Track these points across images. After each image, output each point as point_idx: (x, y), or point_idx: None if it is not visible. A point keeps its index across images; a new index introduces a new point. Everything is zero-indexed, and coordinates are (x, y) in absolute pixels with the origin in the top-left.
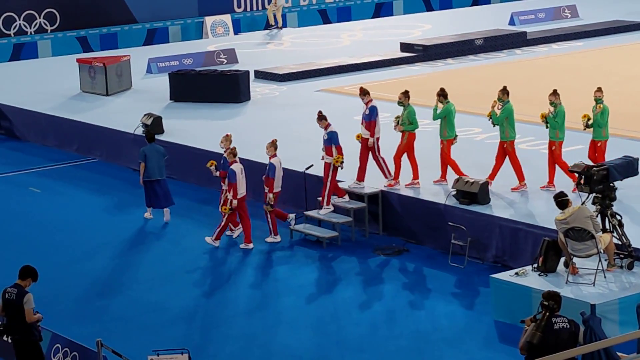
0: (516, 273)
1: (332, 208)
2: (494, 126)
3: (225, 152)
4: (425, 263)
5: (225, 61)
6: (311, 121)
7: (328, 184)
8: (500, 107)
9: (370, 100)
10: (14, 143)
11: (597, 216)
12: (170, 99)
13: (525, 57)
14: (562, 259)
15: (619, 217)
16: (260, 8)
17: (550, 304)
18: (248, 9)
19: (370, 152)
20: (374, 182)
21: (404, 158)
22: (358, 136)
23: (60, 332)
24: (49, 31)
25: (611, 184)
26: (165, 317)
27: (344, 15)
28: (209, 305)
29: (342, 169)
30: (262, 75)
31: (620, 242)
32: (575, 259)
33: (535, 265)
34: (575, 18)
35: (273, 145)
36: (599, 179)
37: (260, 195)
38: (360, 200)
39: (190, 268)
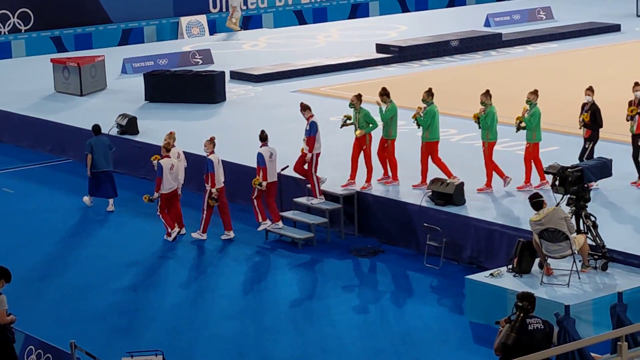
0: (491, 274)
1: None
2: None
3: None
4: (400, 264)
5: (201, 62)
6: (287, 122)
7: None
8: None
9: (312, 116)
10: None
11: (571, 217)
12: (145, 100)
13: (501, 59)
14: (537, 260)
15: (593, 219)
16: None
17: (525, 304)
18: (224, 10)
19: (309, 167)
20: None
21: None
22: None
23: (34, 333)
24: (22, 31)
25: (586, 185)
26: (141, 318)
27: (320, 16)
28: (185, 307)
29: (263, 189)
30: (237, 76)
31: (594, 243)
32: (549, 260)
33: (510, 266)
34: (550, 20)
35: (212, 142)
36: (574, 180)
37: (233, 194)
38: (336, 202)
39: (168, 269)
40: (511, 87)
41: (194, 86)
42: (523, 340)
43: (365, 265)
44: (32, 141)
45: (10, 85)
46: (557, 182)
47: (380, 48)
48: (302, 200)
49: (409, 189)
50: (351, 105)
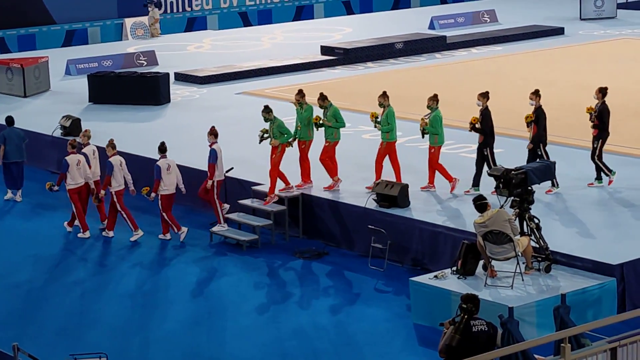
0: (435, 276)
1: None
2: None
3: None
4: (345, 266)
5: (145, 63)
6: (232, 124)
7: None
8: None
9: (214, 143)
10: None
11: (515, 219)
12: (89, 101)
13: (445, 61)
14: (481, 262)
15: (536, 221)
16: (180, 10)
17: (469, 306)
18: (168, 11)
19: (212, 193)
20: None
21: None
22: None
23: None
24: None
25: (529, 188)
26: (84, 320)
27: (265, 17)
28: (131, 310)
29: (151, 200)
30: (182, 77)
31: (537, 245)
32: (493, 262)
33: (454, 268)
34: (494, 23)
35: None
36: (518, 183)
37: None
38: (281, 204)
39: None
40: (456, 90)
41: (138, 87)
42: (467, 342)
43: (309, 267)
44: None
45: None
46: (501, 185)
47: (325, 50)
48: (247, 202)
49: (355, 191)
50: (265, 119)
